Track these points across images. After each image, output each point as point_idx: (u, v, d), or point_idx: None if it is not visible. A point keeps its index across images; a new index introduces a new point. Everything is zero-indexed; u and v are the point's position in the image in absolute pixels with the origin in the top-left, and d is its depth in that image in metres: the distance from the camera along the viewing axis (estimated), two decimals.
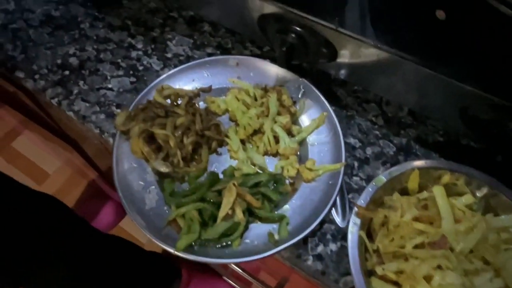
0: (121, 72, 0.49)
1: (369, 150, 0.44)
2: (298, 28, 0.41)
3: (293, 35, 0.42)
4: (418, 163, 0.38)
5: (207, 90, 0.46)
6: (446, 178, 0.37)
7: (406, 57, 0.37)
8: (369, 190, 0.37)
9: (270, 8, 0.42)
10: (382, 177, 0.37)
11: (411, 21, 0.40)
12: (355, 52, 0.41)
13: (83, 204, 1.06)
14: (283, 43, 0.42)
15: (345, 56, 0.42)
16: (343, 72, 0.45)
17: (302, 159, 0.43)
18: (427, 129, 0.45)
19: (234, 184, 0.37)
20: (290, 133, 0.43)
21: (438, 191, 0.37)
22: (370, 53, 0.39)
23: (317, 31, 0.41)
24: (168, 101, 0.45)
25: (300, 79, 0.46)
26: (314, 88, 0.45)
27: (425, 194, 0.37)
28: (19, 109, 0.69)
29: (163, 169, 0.40)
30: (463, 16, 0.38)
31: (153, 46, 0.51)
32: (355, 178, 0.42)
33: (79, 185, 1.27)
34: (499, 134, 0.38)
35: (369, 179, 0.42)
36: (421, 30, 0.39)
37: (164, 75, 0.46)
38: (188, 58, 0.50)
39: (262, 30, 0.45)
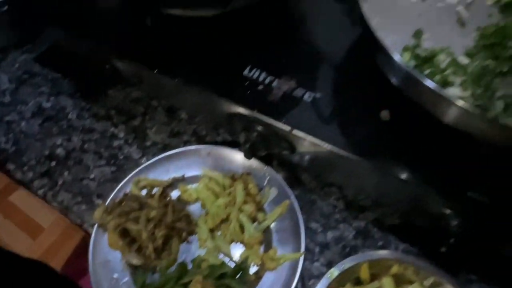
0: (103, 162, 0.53)
1: (329, 235, 0.47)
2: (259, 127, 0.46)
3: (256, 133, 0.47)
4: (369, 255, 0.41)
5: (181, 179, 0.50)
6: (396, 268, 0.40)
7: (353, 156, 0.41)
8: (324, 282, 0.40)
9: (234, 109, 0.46)
10: (335, 271, 0.40)
11: (360, 121, 0.44)
12: (310, 148, 0.45)
13: (75, 260, 1.08)
14: (246, 140, 0.47)
15: (303, 150, 0.46)
16: (305, 161, 0.50)
17: (266, 245, 0.46)
18: (384, 212, 0.49)
19: (198, 280, 0.40)
20: (255, 220, 0.47)
21: (387, 282, 0.40)
22: (322, 150, 0.44)
23: (276, 130, 0.45)
24: (145, 191, 0.49)
25: (266, 167, 0.50)
26: (278, 177, 0.49)
27: (376, 284, 0.40)
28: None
29: (135, 261, 0.43)
30: (405, 117, 0.43)
31: (133, 135, 0.56)
32: (316, 263, 0.45)
33: (73, 239, 1.30)
34: (445, 226, 0.42)
35: (329, 264, 0.45)
36: (368, 130, 0.43)
37: (142, 166, 0.50)
38: (165, 146, 0.54)
39: (230, 124, 0.50)
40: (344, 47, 0.50)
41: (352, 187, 0.50)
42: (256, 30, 0.53)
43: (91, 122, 0.57)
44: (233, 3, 0.55)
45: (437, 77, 0.36)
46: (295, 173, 0.52)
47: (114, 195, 0.48)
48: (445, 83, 0.36)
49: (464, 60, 0.38)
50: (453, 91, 0.35)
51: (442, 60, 0.38)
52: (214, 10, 0.55)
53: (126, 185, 0.49)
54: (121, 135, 0.55)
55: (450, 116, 0.35)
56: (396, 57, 0.37)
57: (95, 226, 0.45)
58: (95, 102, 0.59)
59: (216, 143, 0.55)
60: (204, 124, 0.56)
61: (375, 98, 0.45)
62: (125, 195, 0.47)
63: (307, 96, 0.46)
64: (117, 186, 0.48)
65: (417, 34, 0.45)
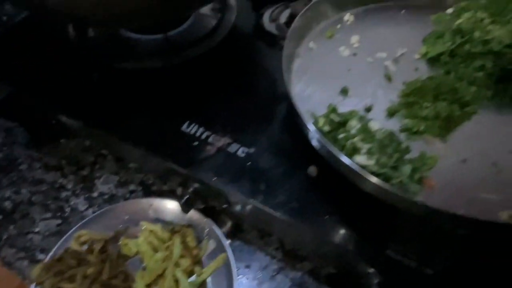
0: (49, 215, 0.54)
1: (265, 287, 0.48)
2: (195, 184, 0.48)
3: (192, 188, 0.48)
4: None
5: (122, 232, 0.51)
6: None
7: (278, 215, 0.43)
8: None
9: (169, 165, 0.48)
10: None
11: (289, 177, 0.46)
12: (244, 203, 0.46)
13: None
14: (183, 195, 0.48)
15: (238, 205, 0.48)
16: (245, 211, 0.51)
17: None
18: (321, 262, 0.50)
19: None
20: (192, 274, 0.48)
21: None
22: (253, 207, 0.45)
23: (210, 186, 0.47)
24: (86, 246, 0.50)
25: (205, 219, 0.51)
26: (216, 229, 0.50)
27: None
28: None
29: None
30: (329, 175, 0.44)
31: (82, 185, 0.57)
32: None
33: None
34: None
35: None
36: (296, 187, 0.45)
37: (85, 220, 0.51)
38: (112, 197, 0.56)
39: (168, 179, 0.52)
40: (278, 104, 0.51)
41: (289, 237, 0.51)
42: (198, 83, 0.55)
43: (41, 173, 0.58)
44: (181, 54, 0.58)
45: (348, 144, 0.38)
46: (236, 222, 0.53)
47: (55, 251, 0.49)
48: (354, 150, 0.37)
49: (375, 125, 0.40)
50: (359, 159, 0.36)
51: (354, 125, 0.39)
52: (161, 62, 0.57)
53: (68, 240, 0.50)
54: (70, 186, 0.57)
55: (359, 183, 0.37)
56: (310, 126, 0.38)
57: (33, 286, 0.46)
58: (47, 152, 0.60)
59: (162, 193, 0.57)
60: (151, 174, 0.58)
61: (304, 154, 0.46)
62: (66, 250, 0.48)
63: (241, 152, 0.47)
64: (60, 240, 0.49)
65: (344, 91, 0.47)
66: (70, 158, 0.59)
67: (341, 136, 0.39)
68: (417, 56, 0.51)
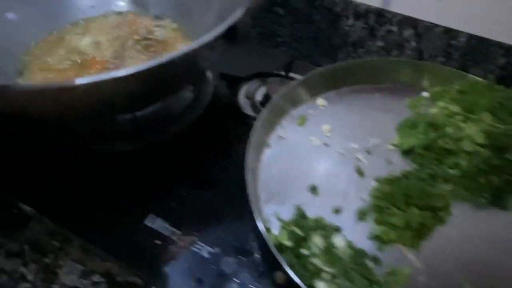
0: None
1: None
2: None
3: None
4: None
5: None
6: None
7: None
8: None
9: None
10: None
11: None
12: None
13: None
14: None
15: None
16: None
17: None
18: None
19: None
20: None
21: None
22: None
23: None
24: None
25: None
26: None
27: None
28: None
29: None
30: None
31: (43, 275, 0.54)
32: None
33: None
34: None
35: None
36: None
37: None
38: None
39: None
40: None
41: None
42: (164, 171, 0.53)
43: (1, 262, 0.55)
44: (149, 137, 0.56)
45: (310, 265, 0.35)
46: None
47: None
48: (316, 273, 0.35)
49: (341, 242, 0.37)
50: (321, 286, 0.34)
51: (317, 242, 0.37)
52: (131, 145, 0.56)
53: None
54: (30, 276, 0.53)
55: None
56: (268, 241, 0.36)
57: None
58: (10, 237, 0.57)
59: (128, 285, 0.54)
60: (117, 263, 0.55)
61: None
62: None
63: (206, 252, 0.45)
64: None
65: (313, 188, 0.45)
66: (33, 243, 0.57)
67: (304, 252, 0.36)
68: (390, 147, 0.49)
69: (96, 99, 0.40)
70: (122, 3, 0.67)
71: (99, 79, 0.33)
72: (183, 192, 0.50)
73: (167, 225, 0.47)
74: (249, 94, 0.64)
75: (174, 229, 0.47)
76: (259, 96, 0.63)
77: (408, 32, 0.67)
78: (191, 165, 0.54)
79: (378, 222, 0.41)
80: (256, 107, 0.61)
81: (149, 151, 0.55)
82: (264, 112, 0.49)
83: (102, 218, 0.49)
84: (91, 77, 0.33)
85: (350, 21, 0.71)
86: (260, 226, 0.37)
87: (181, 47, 0.61)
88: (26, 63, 0.55)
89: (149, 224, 0.47)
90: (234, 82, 0.64)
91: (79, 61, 0.57)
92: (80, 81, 0.32)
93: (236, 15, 0.41)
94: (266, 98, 0.61)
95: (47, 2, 0.60)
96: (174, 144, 0.56)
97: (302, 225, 0.39)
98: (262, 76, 0.66)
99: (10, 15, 0.54)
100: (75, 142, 0.55)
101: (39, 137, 0.57)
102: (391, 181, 0.44)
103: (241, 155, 0.55)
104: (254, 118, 0.60)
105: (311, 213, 0.42)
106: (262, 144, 0.49)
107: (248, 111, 0.61)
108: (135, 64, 0.58)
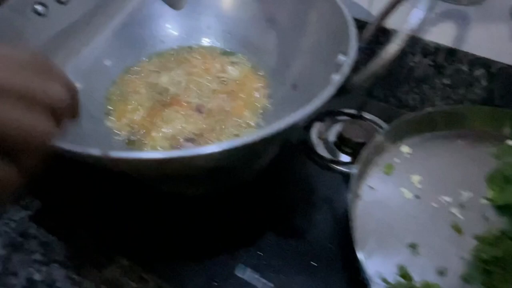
0: None
1: None
2: None
3: None
4: None
5: None
6: None
7: None
8: None
9: None
10: None
11: None
12: None
13: None
14: None
15: None
16: None
17: None
18: None
19: None
20: None
21: None
22: None
23: None
24: None
25: None
26: None
27: None
28: None
29: None
30: None
31: None
32: None
33: None
34: None
35: None
36: None
37: None
38: None
39: None
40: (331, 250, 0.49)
41: None
42: (250, 215, 0.53)
43: None
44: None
45: None
46: None
47: None
48: None
49: None
50: None
51: None
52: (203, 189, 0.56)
53: None
54: None
55: None
56: None
57: None
58: (86, 274, 0.58)
59: None
60: None
61: None
62: None
63: None
64: None
65: (412, 246, 0.45)
66: (110, 283, 0.57)
67: None
68: (483, 201, 0.49)
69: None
70: (207, 39, 0.67)
71: (219, 148, 0.32)
72: (268, 240, 0.50)
73: (257, 276, 0.47)
74: (321, 134, 0.63)
75: (265, 281, 0.46)
76: (332, 137, 0.63)
77: (479, 72, 0.67)
78: (272, 210, 0.54)
79: (488, 286, 0.40)
80: (330, 148, 0.61)
81: (228, 195, 0.55)
82: (358, 166, 0.49)
83: (193, 267, 0.48)
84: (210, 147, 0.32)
85: (417, 58, 0.71)
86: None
87: (256, 86, 0.61)
88: (111, 104, 0.56)
89: (239, 275, 0.47)
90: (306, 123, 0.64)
91: (162, 99, 0.58)
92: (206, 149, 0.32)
93: (343, 73, 0.41)
94: (340, 139, 0.61)
95: (124, 39, 0.60)
96: (251, 186, 0.56)
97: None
98: (333, 114, 0.66)
99: (108, 62, 0.54)
100: (160, 187, 0.55)
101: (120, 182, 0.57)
102: (492, 240, 0.43)
103: (320, 201, 0.55)
104: (328, 160, 0.60)
105: (414, 273, 0.41)
106: (354, 196, 0.48)
107: (322, 151, 0.61)
108: (216, 104, 0.58)
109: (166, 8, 0.52)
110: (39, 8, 0.54)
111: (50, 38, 0.53)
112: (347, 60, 0.41)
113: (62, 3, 0.57)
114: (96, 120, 0.52)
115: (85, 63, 0.52)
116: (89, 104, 0.52)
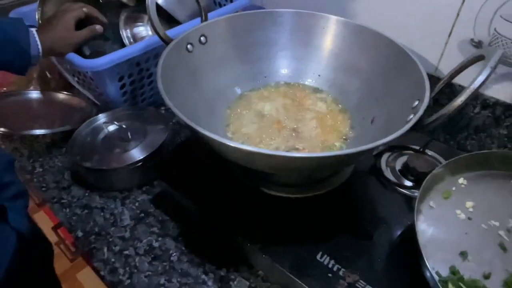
0: None
1: None
2: None
3: None
4: None
5: None
6: None
7: None
8: None
9: None
10: None
11: None
12: None
13: None
14: None
15: None
16: None
17: None
18: None
19: None
20: None
21: None
22: None
23: None
24: None
25: None
26: None
27: None
28: None
29: None
30: None
31: (219, 285, 0.69)
32: None
33: None
34: None
35: None
36: None
37: None
38: None
39: None
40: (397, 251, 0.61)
41: None
42: (330, 217, 0.67)
43: (187, 267, 0.71)
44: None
45: None
46: None
47: None
48: None
49: None
50: None
51: None
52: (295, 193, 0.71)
53: None
54: (210, 283, 0.69)
55: None
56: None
57: None
58: (193, 248, 0.74)
59: None
60: (275, 285, 0.68)
61: None
62: None
63: None
64: None
65: (463, 254, 0.56)
66: (211, 258, 0.72)
67: None
68: None
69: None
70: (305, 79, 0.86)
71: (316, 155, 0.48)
72: (343, 237, 0.64)
73: (333, 262, 0.60)
74: (389, 162, 0.77)
75: (339, 266, 0.59)
76: (398, 165, 0.76)
77: None
78: (347, 215, 0.67)
79: None
80: (396, 174, 0.74)
81: (316, 201, 0.70)
82: (421, 189, 0.61)
83: (283, 247, 0.63)
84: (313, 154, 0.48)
85: (477, 109, 0.83)
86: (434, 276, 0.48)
87: (340, 118, 0.77)
88: (228, 117, 0.75)
89: (319, 259, 0.61)
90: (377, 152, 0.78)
91: (267, 121, 0.76)
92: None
93: (418, 115, 0.55)
94: (405, 168, 0.74)
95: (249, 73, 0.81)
96: (332, 196, 0.70)
97: (460, 283, 0.50)
98: (400, 148, 0.79)
99: (238, 89, 0.74)
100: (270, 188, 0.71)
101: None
102: None
103: (386, 214, 0.68)
104: (394, 183, 0.73)
105: (464, 274, 0.52)
106: (417, 211, 0.61)
107: (389, 176, 0.74)
108: (308, 129, 0.74)
109: (285, 53, 0.71)
110: (189, 46, 0.76)
111: (195, 66, 0.74)
112: (422, 105, 0.55)
113: (202, 43, 0.78)
114: (218, 131, 0.70)
115: (219, 85, 0.73)
116: (213, 117, 0.71)
